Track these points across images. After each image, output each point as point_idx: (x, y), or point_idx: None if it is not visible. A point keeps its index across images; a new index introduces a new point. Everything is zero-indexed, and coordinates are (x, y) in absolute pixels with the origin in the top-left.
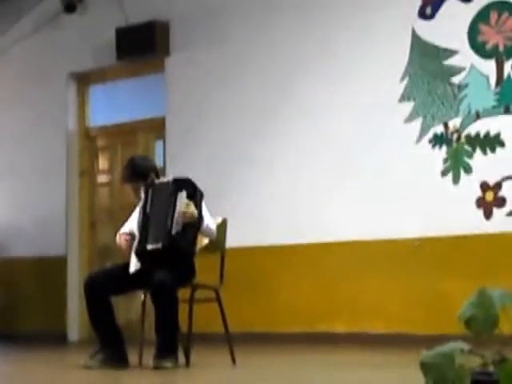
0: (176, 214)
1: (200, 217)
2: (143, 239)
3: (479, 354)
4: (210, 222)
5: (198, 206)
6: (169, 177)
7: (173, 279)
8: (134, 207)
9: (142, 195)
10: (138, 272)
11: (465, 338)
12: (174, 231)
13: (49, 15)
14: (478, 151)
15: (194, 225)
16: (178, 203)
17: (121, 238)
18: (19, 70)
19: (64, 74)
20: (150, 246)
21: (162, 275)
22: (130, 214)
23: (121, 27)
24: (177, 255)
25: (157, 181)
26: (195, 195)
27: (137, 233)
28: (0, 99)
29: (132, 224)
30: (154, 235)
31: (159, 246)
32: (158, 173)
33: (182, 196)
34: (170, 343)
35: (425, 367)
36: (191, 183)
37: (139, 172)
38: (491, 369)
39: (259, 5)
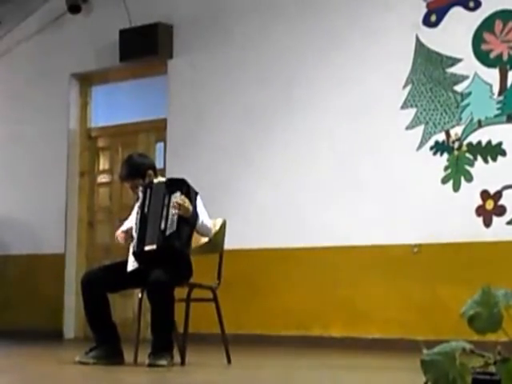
0: (170, 215)
1: (195, 214)
2: (141, 240)
3: (480, 354)
4: (206, 219)
5: (193, 204)
6: (164, 178)
7: (169, 278)
8: (133, 205)
9: (140, 195)
10: (135, 270)
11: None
12: (168, 232)
13: (53, 15)
14: (479, 159)
15: (189, 223)
16: (171, 204)
17: (118, 236)
18: (22, 70)
19: (67, 74)
20: (147, 248)
21: (159, 274)
22: (129, 214)
23: (125, 29)
24: (171, 255)
25: (155, 180)
26: (189, 194)
27: (135, 233)
28: (3, 98)
29: (131, 222)
30: (149, 236)
31: (154, 247)
32: (156, 171)
33: (176, 196)
34: (166, 342)
35: (425, 365)
36: (185, 183)
37: (137, 170)
38: (492, 369)
39: (262, 10)
